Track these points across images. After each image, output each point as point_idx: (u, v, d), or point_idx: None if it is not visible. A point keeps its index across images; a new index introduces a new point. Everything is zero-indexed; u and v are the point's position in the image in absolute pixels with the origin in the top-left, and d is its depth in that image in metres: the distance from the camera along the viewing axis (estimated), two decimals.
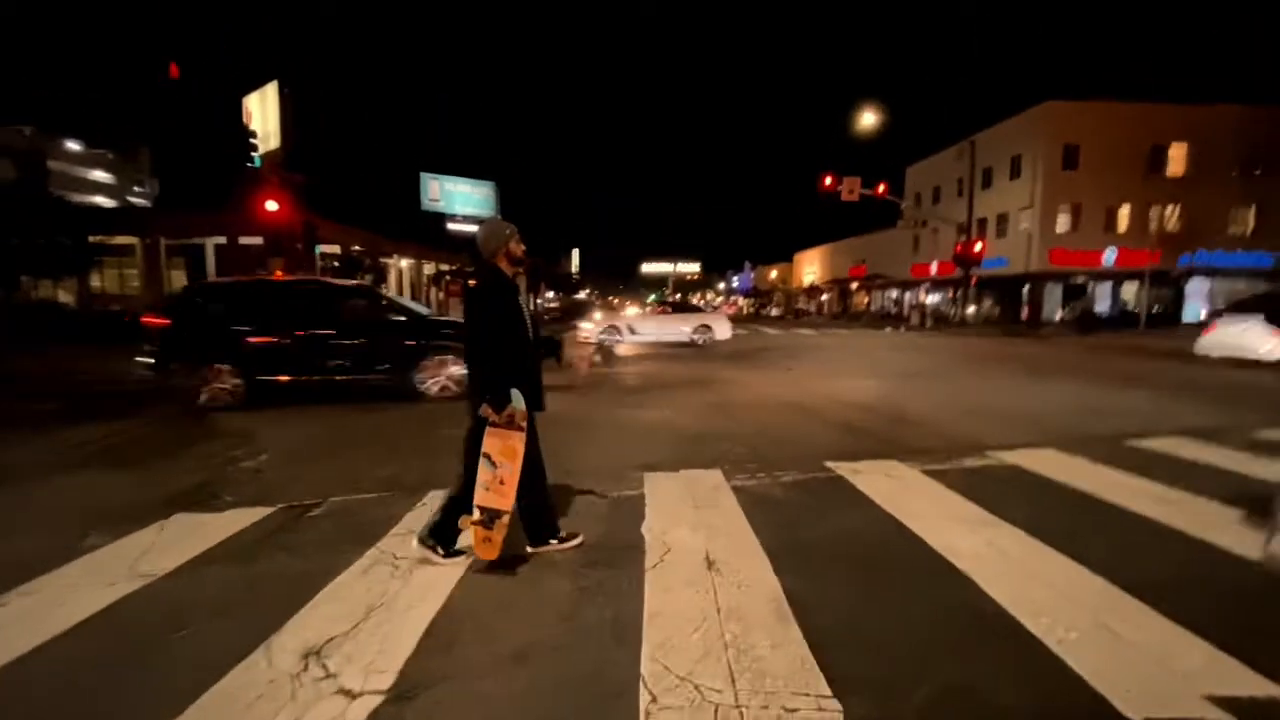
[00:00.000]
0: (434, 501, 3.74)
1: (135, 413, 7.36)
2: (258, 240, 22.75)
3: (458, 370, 7.80)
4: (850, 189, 28.13)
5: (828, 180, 27.49)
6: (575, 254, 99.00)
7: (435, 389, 7.91)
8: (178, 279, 27.77)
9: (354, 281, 10.49)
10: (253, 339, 7.53)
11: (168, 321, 7.61)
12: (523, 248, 3.23)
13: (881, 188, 28.05)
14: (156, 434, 6.40)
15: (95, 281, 27.92)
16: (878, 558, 3.18)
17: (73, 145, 68.59)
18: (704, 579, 2.90)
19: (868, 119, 27.38)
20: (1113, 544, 3.29)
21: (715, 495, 4.12)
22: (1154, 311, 28.17)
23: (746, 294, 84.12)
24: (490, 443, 2.97)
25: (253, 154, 18.08)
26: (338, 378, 7.74)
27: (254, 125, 22.57)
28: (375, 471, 4.79)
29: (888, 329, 30.71)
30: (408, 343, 7.88)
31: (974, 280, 28.92)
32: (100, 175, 71.27)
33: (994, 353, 15.53)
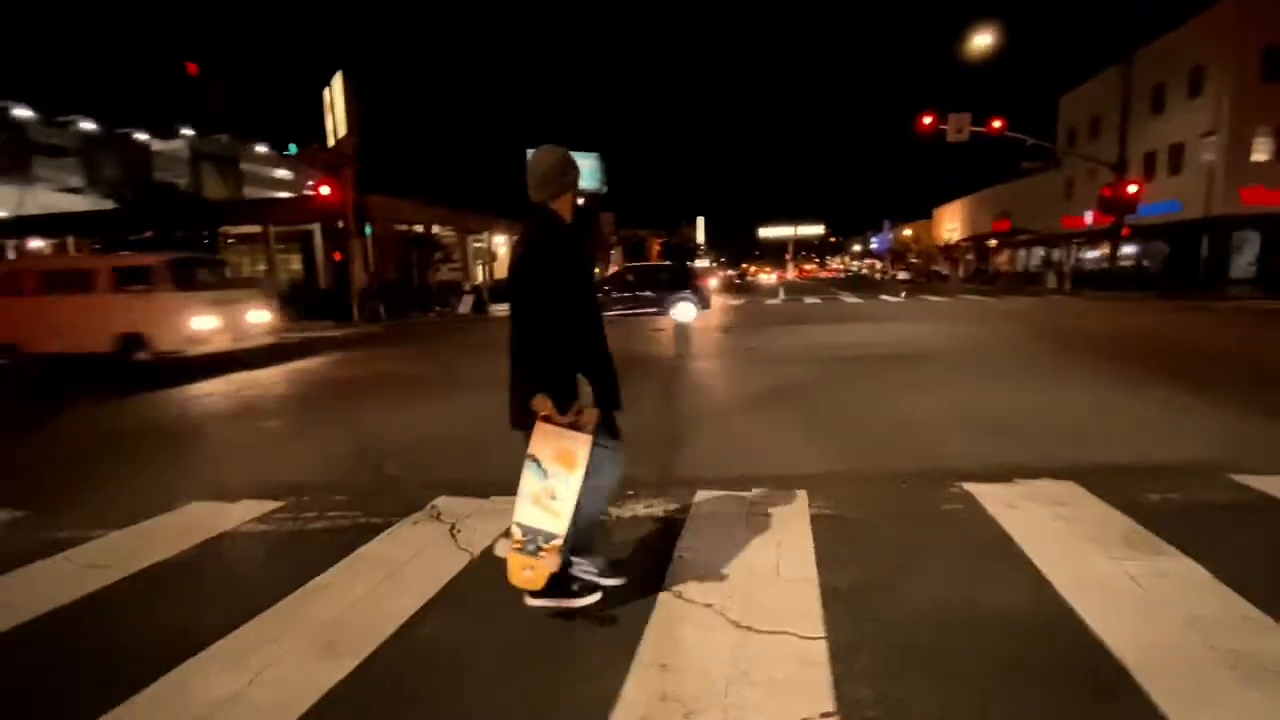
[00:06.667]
0: None
1: None
2: (340, 222, 24.42)
3: None
4: (958, 128, 23.88)
5: (927, 120, 23.56)
6: (700, 222, 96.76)
7: None
8: (294, 263, 30.89)
9: None
10: None
11: None
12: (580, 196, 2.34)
13: (997, 123, 23.42)
14: None
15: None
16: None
17: (260, 148, 79.92)
18: None
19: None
20: None
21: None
22: None
23: (884, 256, 76.89)
24: (540, 445, 2.27)
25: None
26: None
27: (333, 116, 24.15)
28: None
29: (1010, 294, 26.05)
30: None
31: (1125, 230, 23.35)
32: (282, 173, 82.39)
33: (1139, 336, 12.12)
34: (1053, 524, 3.02)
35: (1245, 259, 24.39)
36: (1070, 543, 2.82)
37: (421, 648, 2.23)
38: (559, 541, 2.26)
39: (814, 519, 3.20)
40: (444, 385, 8.07)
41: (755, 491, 3.63)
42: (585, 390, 2.34)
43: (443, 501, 3.57)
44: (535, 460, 2.26)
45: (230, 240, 29.31)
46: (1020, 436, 4.65)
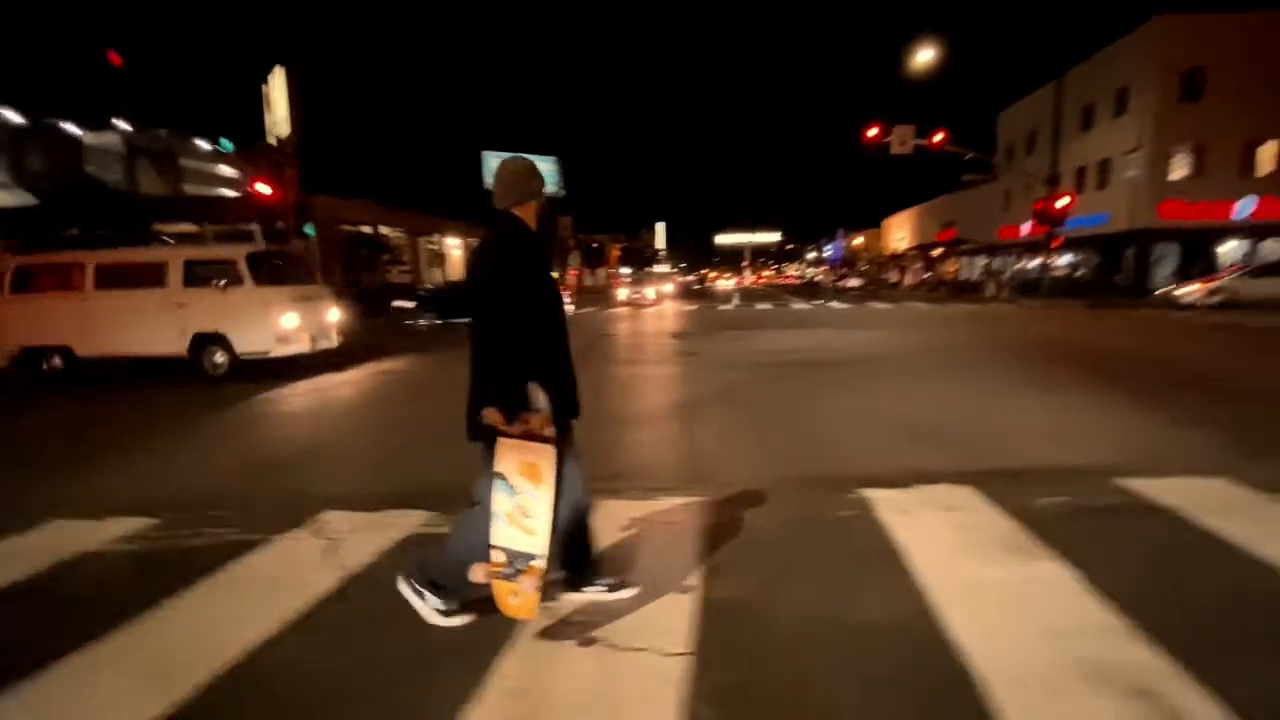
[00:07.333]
0: None
1: None
2: (280, 223, 23.56)
3: None
4: (901, 140, 24.51)
5: (872, 132, 24.12)
6: (660, 228, 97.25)
7: None
8: None
9: None
10: None
11: None
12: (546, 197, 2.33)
13: (938, 136, 24.21)
14: None
15: None
16: None
17: (202, 144, 76.58)
18: None
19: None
20: None
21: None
22: None
23: (838, 264, 78.73)
24: (504, 460, 2.13)
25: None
26: None
27: (271, 112, 23.31)
28: None
29: (938, 300, 26.92)
30: None
31: (1056, 241, 24.44)
32: (225, 170, 79.11)
33: (1020, 339, 12.58)
34: (939, 530, 3.06)
35: (1166, 270, 25.82)
36: (952, 550, 2.84)
37: (262, 675, 2.08)
38: (540, 563, 2.15)
39: (709, 529, 3.16)
40: (377, 392, 7.81)
41: (657, 502, 3.58)
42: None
43: (328, 516, 3.40)
44: (501, 477, 2.15)
45: (166, 239, 27.98)
46: (931, 440, 4.73)
